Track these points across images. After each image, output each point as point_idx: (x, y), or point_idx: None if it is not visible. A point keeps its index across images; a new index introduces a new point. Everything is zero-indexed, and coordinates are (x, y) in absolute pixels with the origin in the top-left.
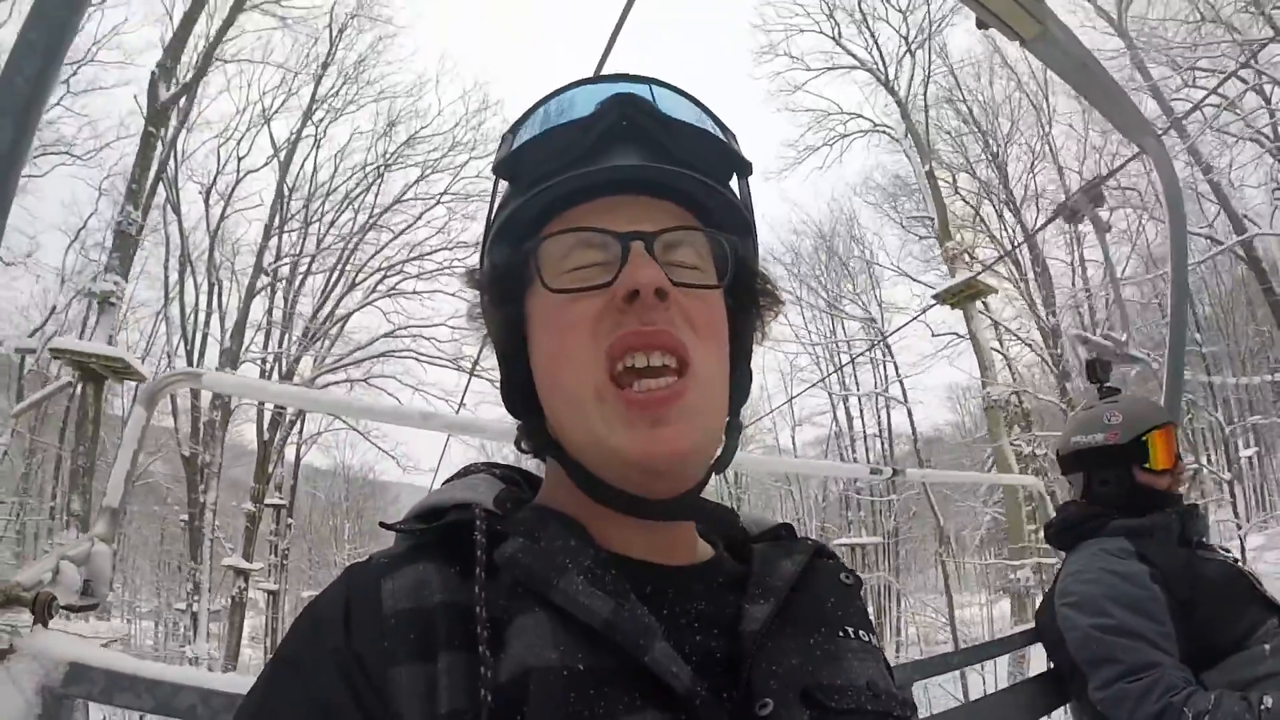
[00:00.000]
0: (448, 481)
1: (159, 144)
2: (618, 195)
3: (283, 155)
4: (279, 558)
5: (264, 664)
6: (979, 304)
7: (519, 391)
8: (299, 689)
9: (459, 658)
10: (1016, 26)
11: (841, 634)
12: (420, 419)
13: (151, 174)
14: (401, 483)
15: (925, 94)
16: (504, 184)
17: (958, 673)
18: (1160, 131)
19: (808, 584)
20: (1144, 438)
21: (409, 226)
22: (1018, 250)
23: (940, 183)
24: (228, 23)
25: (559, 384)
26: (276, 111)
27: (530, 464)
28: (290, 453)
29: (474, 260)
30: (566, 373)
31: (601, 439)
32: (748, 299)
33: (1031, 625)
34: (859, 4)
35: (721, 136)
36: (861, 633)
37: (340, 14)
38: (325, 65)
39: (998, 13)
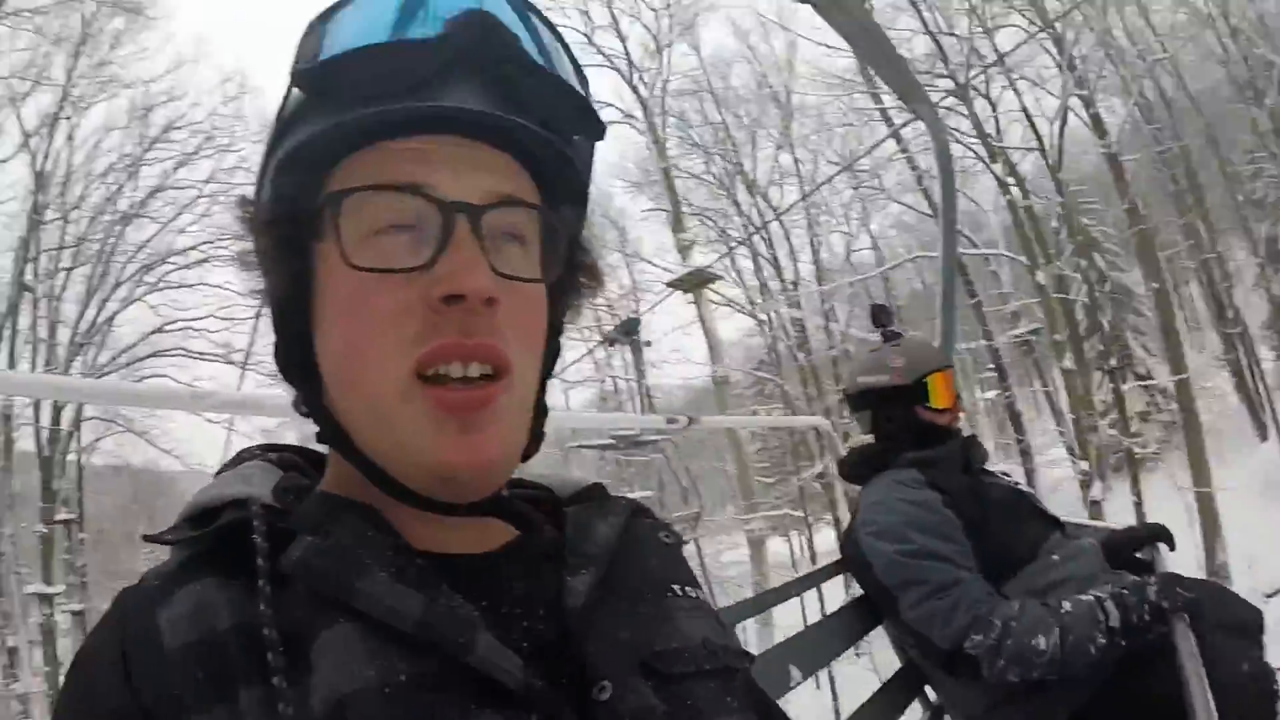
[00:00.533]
0: (219, 473)
1: None
2: (445, 135)
3: (33, 142)
4: (78, 576)
5: None
6: (709, 290)
7: (296, 355)
8: None
9: (261, 692)
10: None
11: (669, 594)
12: (190, 400)
13: None
14: (192, 472)
15: (664, 94)
16: (295, 94)
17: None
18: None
19: (628, 547)
20: (925, 379)
21: (171, 220)
22: (751, 239)
23: (681, 174)
24: None
25: (355, 381)
26: (26, 95)
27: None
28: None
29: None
30: (364, 372)
31: (404, 445)
32: (569, 280)
33: (838, 557)
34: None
35: (583, 92)
36: (688, 589)
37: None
38: (76, 54)
39: None
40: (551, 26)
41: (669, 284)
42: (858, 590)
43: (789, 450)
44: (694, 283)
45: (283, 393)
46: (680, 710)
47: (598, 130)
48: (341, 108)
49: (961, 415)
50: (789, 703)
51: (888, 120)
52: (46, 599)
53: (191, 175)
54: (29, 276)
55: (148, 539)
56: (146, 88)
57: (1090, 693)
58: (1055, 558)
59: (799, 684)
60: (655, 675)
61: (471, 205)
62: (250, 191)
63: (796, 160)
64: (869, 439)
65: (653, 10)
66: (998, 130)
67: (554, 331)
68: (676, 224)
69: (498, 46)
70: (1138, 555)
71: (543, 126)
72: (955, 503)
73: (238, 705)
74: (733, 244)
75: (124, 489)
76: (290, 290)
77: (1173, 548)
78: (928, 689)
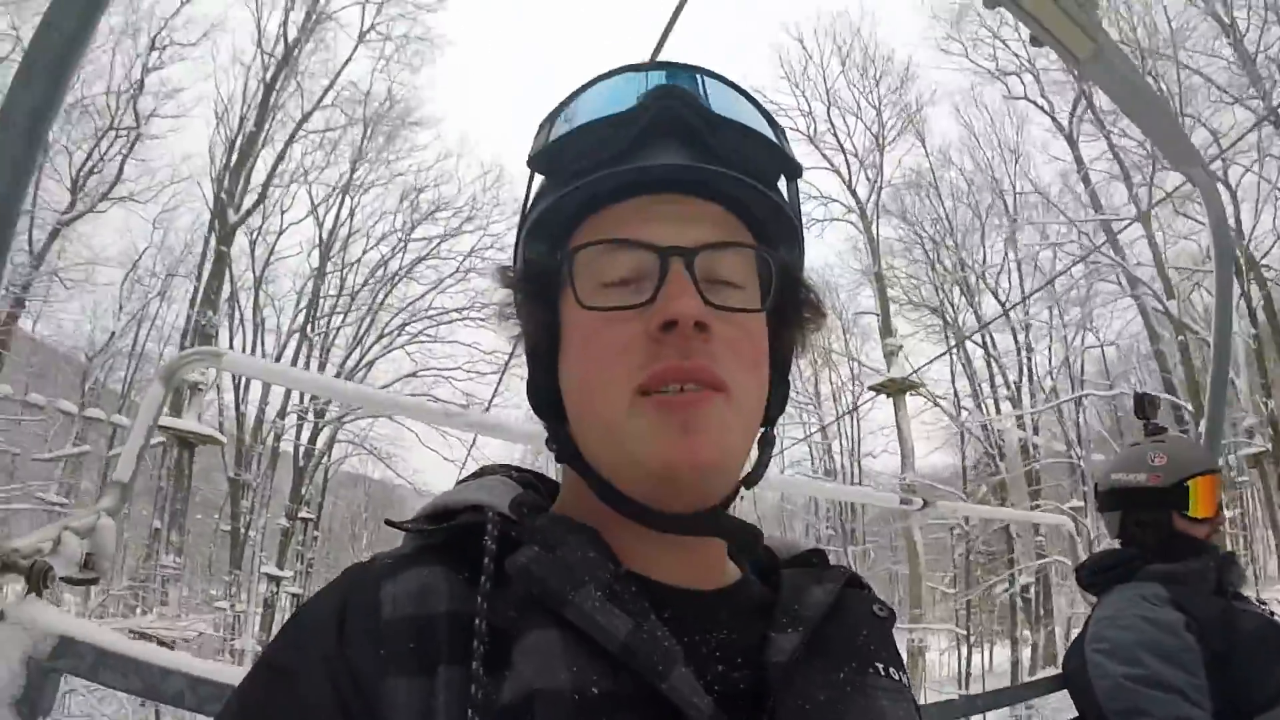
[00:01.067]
0: (461, 482)
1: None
2: (659, 194)
3: (322, 213)
4: (304, 565)
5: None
6: (909, 395)
7: (545, 394)
8: (284, 695)
9: (459, 673)
10: (1070, 45)
11: (873, 670)
12: (444, 416)
13: (226, 289)
14: (420, 493)
15: (878, 192)
16: (539, 176)
17: None
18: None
19: (839, 614)
20: (1187, 482)
21: (436, 285)
22: (961, 345)
23: (899, 274)
24: (281, 155)
25: (590, 407)
26: (316, 178)
27: (555, 469)
28: (319, 472)
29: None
30: (597, 398)
31: (630, 451)
32: (791, 314)
33: (1057, 671)
34: (829, 110)
35: (772, 136)
36: (893, 670)
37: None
38: (361, 152)
39: (1052, 30)
40: (735, 85)
41: (871, 388)
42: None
43: (967, 563)
44: (895, 389)
45: (524, 417)
46: None
47: (794, 169)
48: (566, 180)
49: (1222, 529)
50: None
51: (1109, 231)
52: (275, 580)
53: (454, 247)
54: (307, 324)
55: (390, 524)
56: (418, 175)
57: None
58: None
59: None
60: None
61: (684, 248)
62: (508, 260)
63: (1019, 263)
64: (1114, 545)
65: (874, 107)
66: (1238, 218)
67: (779, 363)
68: (885, 328)
69: (684, 108)
70: None
71: (743, 173)
72: (1201, 629)
73: (435, 680)
74: (935, 356)
75: (358, 498)
76: (541, 336)
77: None
78: None
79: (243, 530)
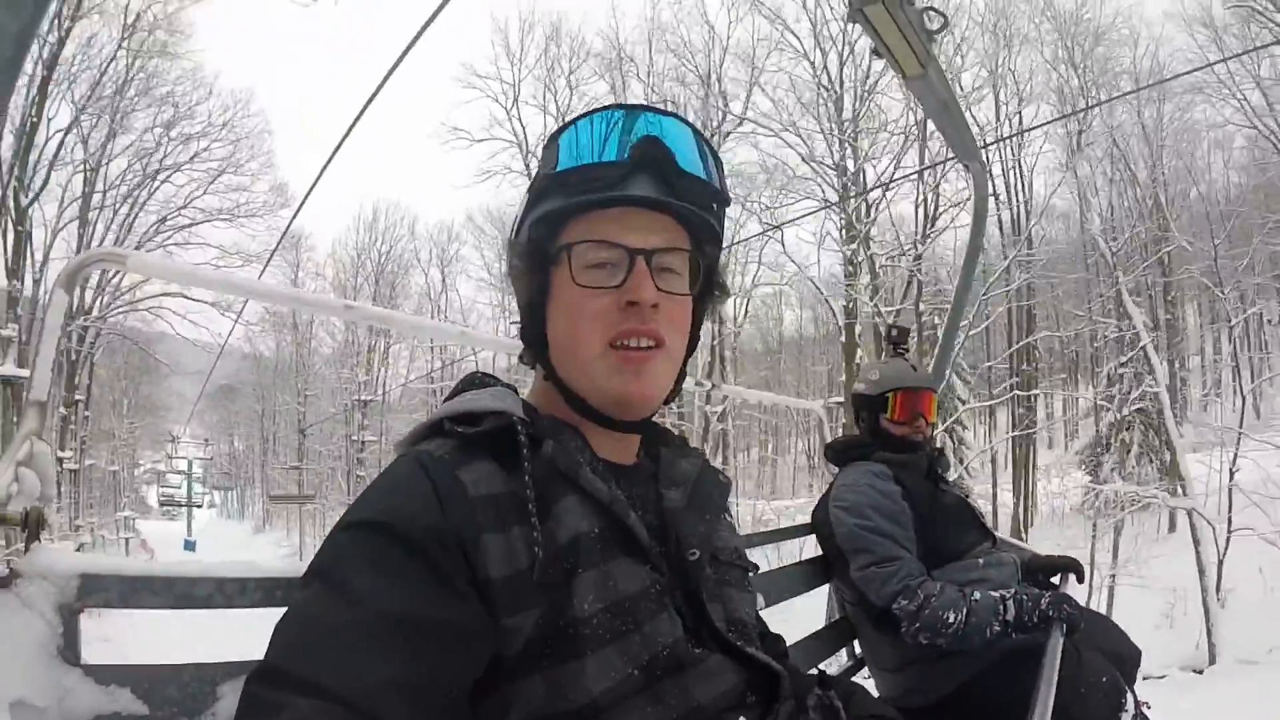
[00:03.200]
0: (461, 391)
1: None
2: (633, 209)
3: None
4: (79, 443)
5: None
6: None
7: (534, 333)
8: (404, 558)
9: (523, 529)
10: (903, 64)
11: (724, 516)
12: (343, 309)
13: None
14: (194, 343)
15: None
16: (543, 177)
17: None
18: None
19: (701, 479)
20: (888, 394)
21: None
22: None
23: None
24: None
25: (575, 348)
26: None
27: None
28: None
29: None
30: (581, 344)
31: (599, 384)
32: (708, 294)
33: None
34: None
35: (715, 183)
36: (728, 515)
37: None
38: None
39: (892, 48)
40: (701, 137)
41: None
42: (817, 551)
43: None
44: None
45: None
46: (723, 581)
47: (726, 201)
48: (571, 194)
49: (928, 432)
50: None
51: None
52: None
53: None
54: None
55: (447, 430)
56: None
57: (981, 667)
58: (980, 561)
59: (763, 609)
60: (714, 559)
61: (646, 250)
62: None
63: None
64: (856, 432)
65: None
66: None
67: (696, 324)
68: None
69: (660, 160)
70: (1053, 580)
71: (692, 204)
72: (912, 499)
73: (510, 534)
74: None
75: (115, 363)
76: (537, 294)
77: (1081, 579)
78: (855, 643)
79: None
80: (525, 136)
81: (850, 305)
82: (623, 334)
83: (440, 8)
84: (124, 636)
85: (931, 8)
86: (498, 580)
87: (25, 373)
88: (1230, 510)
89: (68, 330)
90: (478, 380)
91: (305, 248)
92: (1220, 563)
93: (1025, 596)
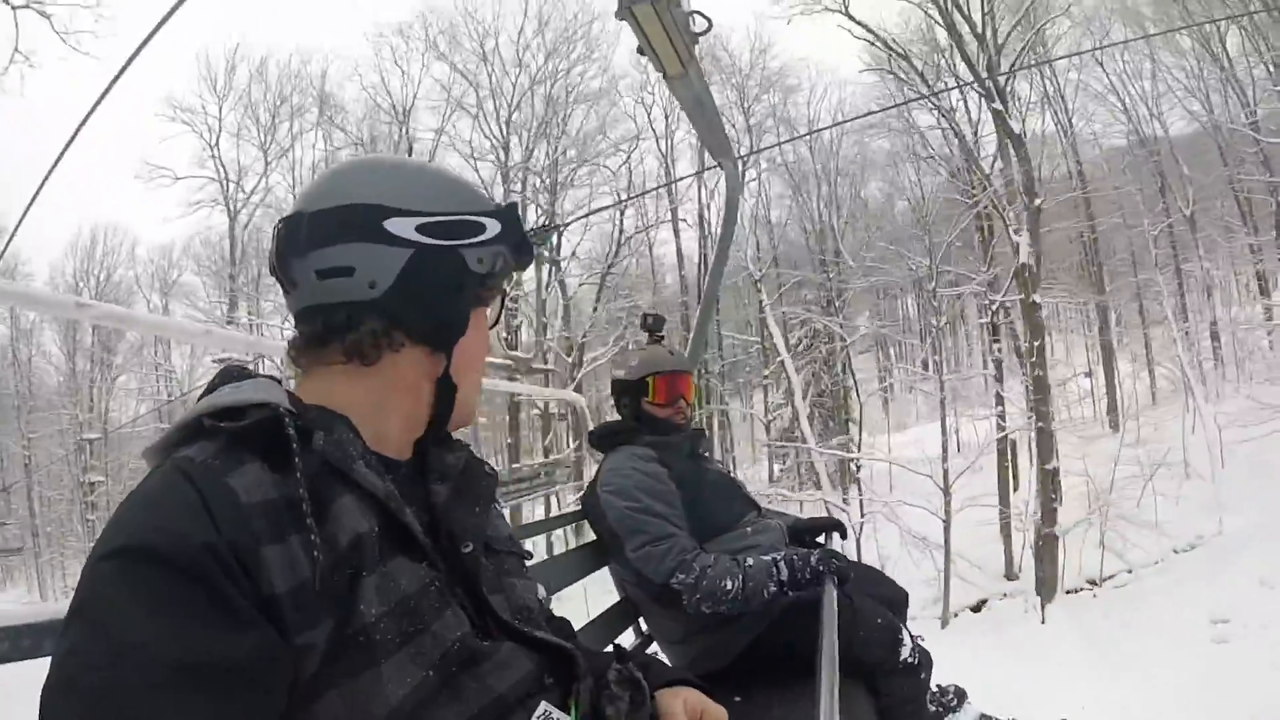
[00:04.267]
0: (218, 384)
1: None
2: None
3: None
4: None
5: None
6: None
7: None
8: (177, 587)
9: (301, 536)
10: (665, 63)
11: (493, 506)
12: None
13: None
14: None
15: None
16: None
17: None
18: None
19: (469, 471)
20: (648, 378)
21: None
22: None
23: None
24: None
25: (475, 372)
26: None
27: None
28: None
29: None
30: (477, 366)
31: (471, 401)
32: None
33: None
34: None
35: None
36: (498, 505)
37: None
38: None
39: (656, 47)
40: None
41: None
42: (590, 537)
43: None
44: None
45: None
46: (500, 570)
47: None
48: (511, 257)
49: (689, 413)
50: None
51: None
52: None
53: None
54: None
55: (203, 423)
56: None
57: (764, 627)
58: (749, 530)
59: (545, 600)
60: (488, 548)
61: None
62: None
63: None
64: (617, 418)
65: None
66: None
67: None
68: None
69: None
70: (819, 540)
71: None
72: (678, 477)
73: (290, 542)
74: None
75: None
76: (460, 312)
77: (845, 536)
78: (640, 620)
79: None
80: (226, 174)
81: None
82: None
83: (158, 27)
84: None
85: (698, 11)
86: (283, 595)
87: None
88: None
89: None
90: (235, 373)
91: (20, 276)
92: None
93: (795, 556)
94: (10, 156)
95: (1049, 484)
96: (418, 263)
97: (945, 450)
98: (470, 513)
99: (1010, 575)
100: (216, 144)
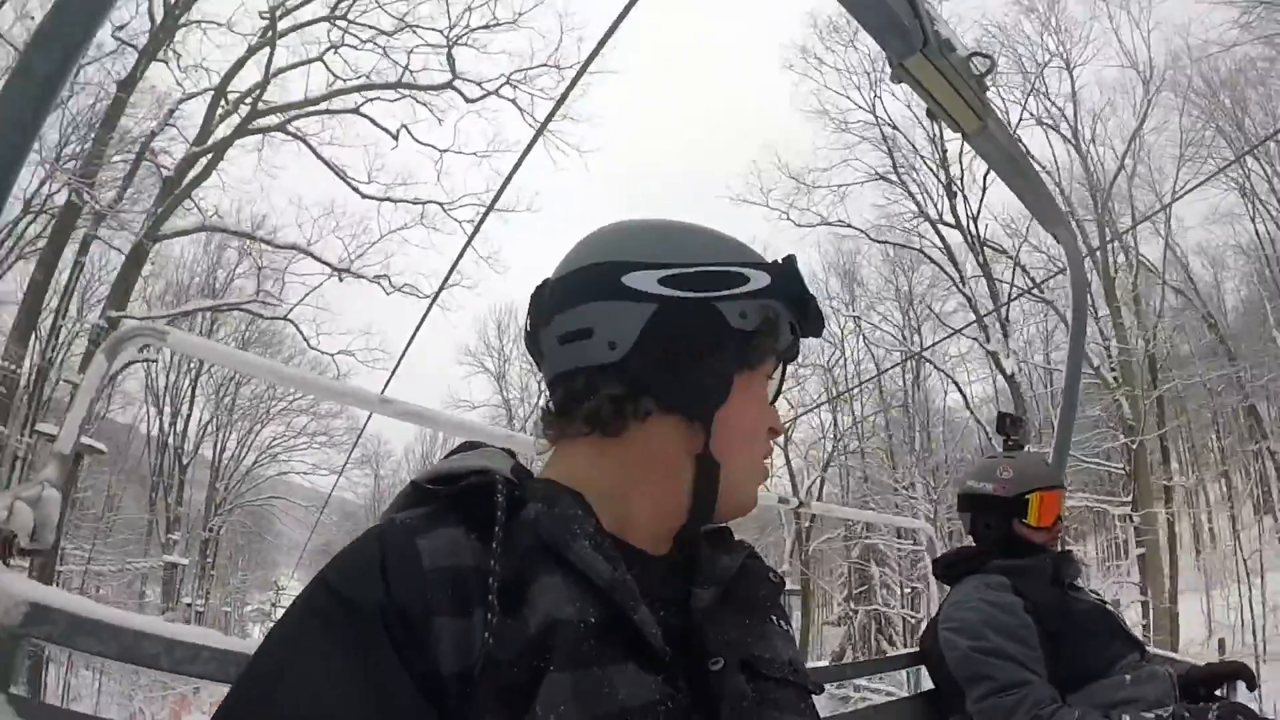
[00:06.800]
0: (452, 454)
1: None
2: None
3: None
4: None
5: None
6: None
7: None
8: (338, 643)
9: (484, 614)
10: (961, 121)
11: (769, 621)
12: (379, 403)
13: None
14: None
15: None
16: (758, 273)
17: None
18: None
19: (743, 577)
20: (1028, 495)
21: None
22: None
23: None
24: None
25: (745, 451)
26: None
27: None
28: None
29: None
30: (756, 443)
31: (748, 487)
32: None
33: (915, 649)
34: None
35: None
36: (782, 621)
37: None
38: None
39: (946, 107)
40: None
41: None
42: (927, 684)
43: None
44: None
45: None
46: (765, 702)
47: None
48: (792, 333)
49: (1060, 535)
50: None
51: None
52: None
53: None
54: None
55: (415, 485)
56: None
57: None
58: (1128, 678)
59: None
60: (751, 671)
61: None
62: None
63: None
64: (969, 542)
65: None
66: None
67: None
68: None
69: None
70: (1217, 693)
71: None
72: (1037, 610)
73: (471, 620)
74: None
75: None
76: (721, 376)
77: (1252, 687)
78: None
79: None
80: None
81: None
82: (767, 451)
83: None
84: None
85: (976, 52)
86: (449, 677)
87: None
88: None
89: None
90: (471, 446)
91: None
92: None
93: (1188, 714)
94: None
95: None
96: (662, 319)
97: None
98: (735, 624)
99: None
100: None
